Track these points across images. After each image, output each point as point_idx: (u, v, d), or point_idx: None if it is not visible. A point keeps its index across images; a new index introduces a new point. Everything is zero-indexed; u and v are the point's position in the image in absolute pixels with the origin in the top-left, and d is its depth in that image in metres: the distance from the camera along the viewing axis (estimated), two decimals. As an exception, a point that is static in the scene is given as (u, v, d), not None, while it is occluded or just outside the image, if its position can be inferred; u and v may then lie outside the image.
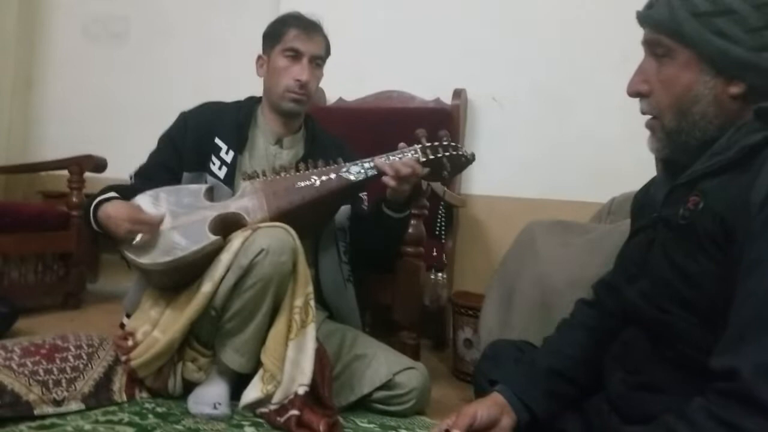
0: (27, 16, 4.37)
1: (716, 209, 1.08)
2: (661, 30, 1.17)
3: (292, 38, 2.11)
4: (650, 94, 1.22)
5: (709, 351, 1.03)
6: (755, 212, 1.01)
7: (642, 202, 1.41)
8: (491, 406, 1.37)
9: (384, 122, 3.06)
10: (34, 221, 3.15)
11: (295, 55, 2.10)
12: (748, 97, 1.13)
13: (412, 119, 3.03)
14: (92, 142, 3.60)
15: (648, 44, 1.22)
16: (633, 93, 1.25)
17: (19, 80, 4.38)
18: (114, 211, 1.87)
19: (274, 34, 2.16)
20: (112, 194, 1.96)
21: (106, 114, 4.14)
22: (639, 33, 1.24)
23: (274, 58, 2.13)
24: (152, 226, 1.84)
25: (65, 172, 3.37)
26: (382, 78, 3.33)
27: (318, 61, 2.14)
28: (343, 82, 3.30)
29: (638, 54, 1.26)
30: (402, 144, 2.01)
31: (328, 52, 2.20)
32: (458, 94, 3.14)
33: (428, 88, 3.22)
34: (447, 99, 3.16)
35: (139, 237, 1.84)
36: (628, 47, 2.71)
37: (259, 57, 2.21)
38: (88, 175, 3.36)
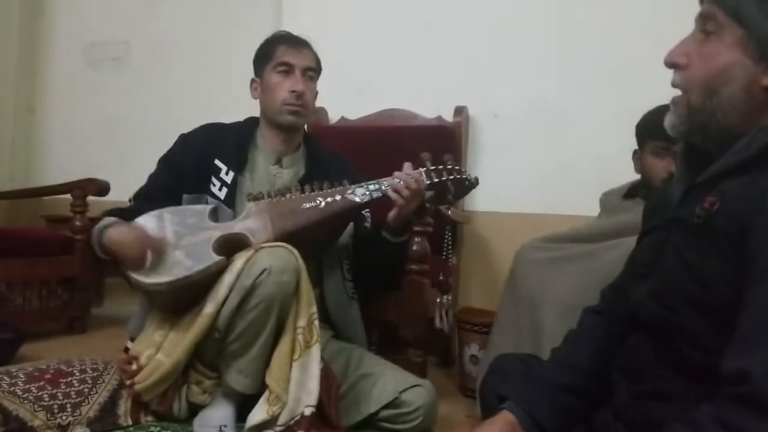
0: (28, 42, 4.40)
1: (733, 210, 1.07)
2: (719, 4, 1.15)
3: (282, 53, 2.13)
4: (686, 68, 1.19)
5: (717, 353, 1.02)
6: None
7: (656, 203, 1.40)
8: (503, 426, 1.35)
9: (386, 140, 3.07)
10: (38, 246, 3.15)
11: (287, 69, 2.13)
12: None
13: (414, 137, 3.03)
14: (95, 166, 3.62)
15: (702, 17, 1.18)
16: (670, 63, 1.21)
17: (20, 105, 4.41)
18: (118, 235, 1.86)
19: (264, 55, 2.19)
20: (112, 219, 1.95)
21: (108, 137, 4.15)
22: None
23: (267, 76, 2.16)
24: (158, 244, 1.84)
25: (68, 196, 3.37)
26: (384, 96, 3.34)
27: (310, 74, 2.16)
28: (345, 101, 3.32)
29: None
30: (407, 164, 2.02)
31: (319, 67, 2.21)
32: (460, 111, 3.14)
33: (430, 106, 3.23)
34: (449, 116, 3.16)
35: (149, 258, 1.83)
36: (624, 64, 2.75)
37: (252, 80, 2.23)
38: (91, 198, 3.36)
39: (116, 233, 1.87)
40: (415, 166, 2.03)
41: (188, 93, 3.91)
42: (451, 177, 2.01)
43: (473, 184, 2.07)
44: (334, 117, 3.41)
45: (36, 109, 4.45)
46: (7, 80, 4.32)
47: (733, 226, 1.06)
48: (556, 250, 2.18)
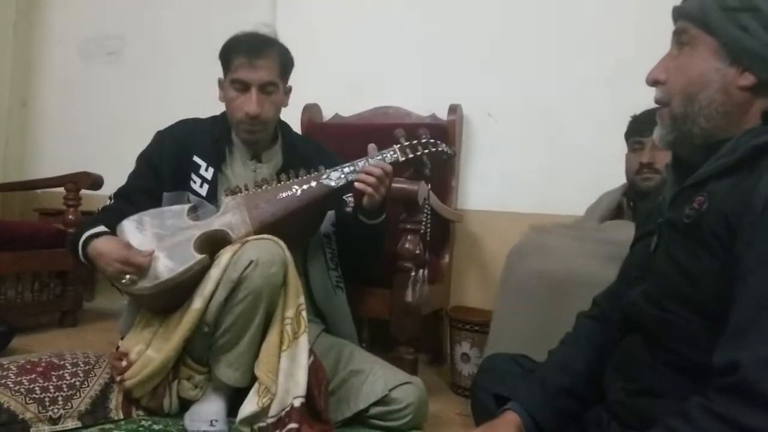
0: (23, 35, 4.39)
1: (721, 209, 1.10)
2: (689, 18, 1.22)
3: (237, 68, 2.05)
4: (666, 83, 1.25)
5: (710, 351, 1.03)
6: (756, 214, 1.03)
7: (649, 209, 1.43)
8: (514, 427, 1.38)
9: (380, 138, 3.05)
10: (31, 239, 3.14)
11: (243, 87, 2.05)
12: (755, 91, 1.17)
13: (408, 135, 3.04)
14: (88, 160, 3.61)
15: (676, 33, 1.26)
16: (651, 80, 1.28)
17: (15, 99, 4.40)
18: (105, 248, 1.86)
19: (224, 61, 2.12)
20: (101, 228, 1.94)
21: (102, 131, 4.14)
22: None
23: (226, 87, 2.11)
24: (141, 269, 1.81)
25: (62, 190, 3.36)
26: (378, 94, 3.33)
27: (269, 88, 2.06)
28: (339, 98, 3.32)
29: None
30: (372, 146, 2.04)
31: (283, 71, 2.12)
32: (454, 109, 3.14)
33: (424, 104, 3.23)
34: (443, 115, 3.17)
35: (128, 277, 1.81)
36: (619, 64, 2.75)
37: (220, 81, 2.16)
38: (84, 192, 3.35)
39: (103, 245, 1.88)
40: (390, 144, 2.03)
41: (183, 88, 3.89)
42: (426, 151, 2.02)
43: (450, 155, 2.08)
44: (327, 114, 3.41)
45: (30, 103, 4.44)
46: (1, 74, 4.31)
47: (721, 225, 1.09)
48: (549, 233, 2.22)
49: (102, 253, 1.86)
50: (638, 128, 2.13)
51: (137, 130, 3.87)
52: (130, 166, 2.21)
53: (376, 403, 1.91)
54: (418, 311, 2.30)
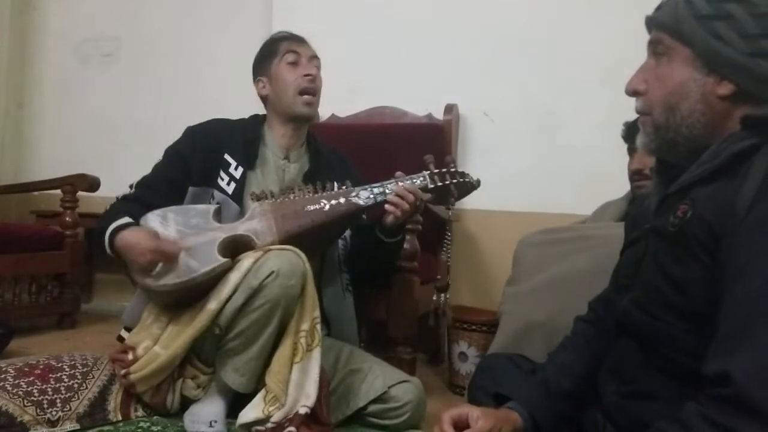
0: (18, 37, 4.38)
1: (705, 216, 1.09)
2: (664, 29, 1.21)
3: (288, 46, 2.18)
4: (646, 93, 1.24)
5: (700, 357, 1.03)
6: (740, 219, 1.03)
7: (635, 215, 1.43)
8: (509, 423, 1.38)
9: (377, 138, 3.07)
10: (28, 242, 3.14)
11: (295, 59, 2.16)
12: (735, 99, 1.16)
13: (404, 135, 3.04)
14: (85, 162, 3.61)
15: (651, 43, 1.25)
16: (630, 91, 1.27)
17: (11, 101, 4.39)
18: (135, 239, 1.83)
19: (268, 53, 2.20)
20: (127, 220, 1.92)
21: (98, 133, 4.14)
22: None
23: (276, 70, 2.16)
24: (173, 257, 1.80)
25: (58, 192, 3.36)
26: (374, 94, 3.34)
27: (316, 62, 2.21)
28: (335, 98, 3.31)
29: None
30: (399, 173, 2.04)
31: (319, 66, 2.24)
32: (450, 109, 3.15)
33: (420, 104, 3.24)
34: (439, 114, 3.17)
35: (159, 267, 1.81)
36: (614, 64, 2.76)
37: (258, 80, 2.22)
38: (81, 194, 3.35)
39: (132, 237, 1.85)
40: (418, 168, 2.04)
41: (178, 90, 3.90)
42: (455, 180, 2.04)
43: (475, 186, 2.10)
44: (324, 114, 3.41)
45: (26, 105, 4.44)
46: (-3, 75, 4.31)
47: (705, 232, 1.09)
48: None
49: (131, 245, 1.84)
50: (628, 135, 2.15)
51: (133, 132, 3.92)
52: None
53: (374, 401, 1.92)
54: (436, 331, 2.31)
